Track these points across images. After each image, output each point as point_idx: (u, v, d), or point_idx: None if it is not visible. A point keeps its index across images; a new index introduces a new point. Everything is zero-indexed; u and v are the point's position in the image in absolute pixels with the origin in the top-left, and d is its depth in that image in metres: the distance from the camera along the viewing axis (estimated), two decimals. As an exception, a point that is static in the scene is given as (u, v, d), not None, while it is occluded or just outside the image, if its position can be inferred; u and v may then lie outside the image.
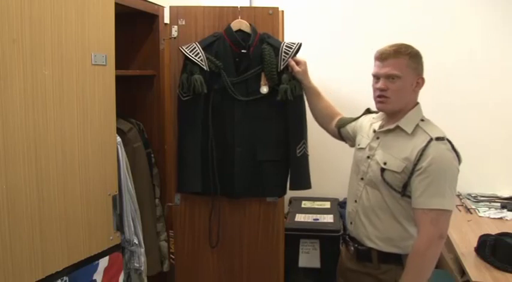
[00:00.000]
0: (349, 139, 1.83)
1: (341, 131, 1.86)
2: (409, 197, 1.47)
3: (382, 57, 1.50)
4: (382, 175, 1.50)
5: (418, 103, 1.56)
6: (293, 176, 2.00)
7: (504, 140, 2.80)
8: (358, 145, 1.68)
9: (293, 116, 1.96)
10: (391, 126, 1.54)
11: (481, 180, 2.82)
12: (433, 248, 1.41)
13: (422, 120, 1.52)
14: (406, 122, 1.51)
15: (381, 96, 1.52)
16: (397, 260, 1.52)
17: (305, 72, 1.91)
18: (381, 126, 1.61)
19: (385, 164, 1.50)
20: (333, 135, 1.95)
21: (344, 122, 1.86)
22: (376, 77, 1.53)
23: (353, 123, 1.82)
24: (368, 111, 1.79)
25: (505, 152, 2.81)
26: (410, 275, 1.44)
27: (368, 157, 1.59)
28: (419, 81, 1.51)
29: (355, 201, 1.62)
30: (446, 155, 1.43)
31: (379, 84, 1.51)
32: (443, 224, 1.42)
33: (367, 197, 1.57)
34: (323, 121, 1.96)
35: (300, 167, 2.00)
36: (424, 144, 1.43)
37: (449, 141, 1.46)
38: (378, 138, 1.59)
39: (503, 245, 1.85)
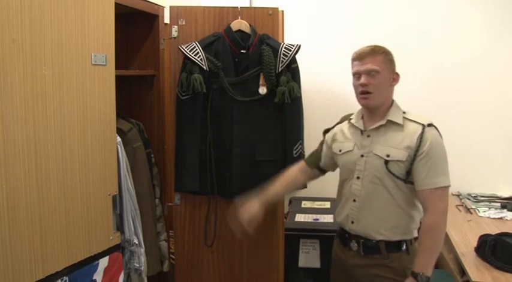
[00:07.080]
0: (331, 165, 1.83)
1: (321, 166, 1.84)
2: (411, 183, 1.57)
3: (361, 56, 1.62)
4: (387, 167, 1.58)
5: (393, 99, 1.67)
6: None
7: (504, 140, 2.80)
8: (340, 151, 1.71)
9: (290, 118, 1.96)
10: (383, 122, 1.61)
11: (481, 180, 2.82)
12: (444, 221, 1.54)
13: (404, 112, 1.64)
14: (395, 116, 1.61)
15: (364, 92, 1.61)
16: (401, 246, 1.61)
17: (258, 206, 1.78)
18: (367, 125, 1.66)
19: (388, 156, 1.58)
20: (314, 178, 1.90)
21: (316, 158, 1.84)
22: (357, 75, 1.63)
23: (324, 150, 1.82)
24: (326, 131, 1.83)
25: (505, 152, 2.81)
26: (427, 251, 1.52)
27: (362, 156, 1.63)
28: (395, 77, 1.63)
29: (354, 200, 1.65)
30: (439, 138, 1.58)
31: (362, 80, 1.60)
32: (447, 198, 1.56)
33: (367, 193, 1.62)
34: (296, 186, 1.92)
35: None
36: (420, 131, 1.56)
37: (435, 126, 1.60)
38: (368, 136, 1.64)
39: (503, 245, 1.85)
